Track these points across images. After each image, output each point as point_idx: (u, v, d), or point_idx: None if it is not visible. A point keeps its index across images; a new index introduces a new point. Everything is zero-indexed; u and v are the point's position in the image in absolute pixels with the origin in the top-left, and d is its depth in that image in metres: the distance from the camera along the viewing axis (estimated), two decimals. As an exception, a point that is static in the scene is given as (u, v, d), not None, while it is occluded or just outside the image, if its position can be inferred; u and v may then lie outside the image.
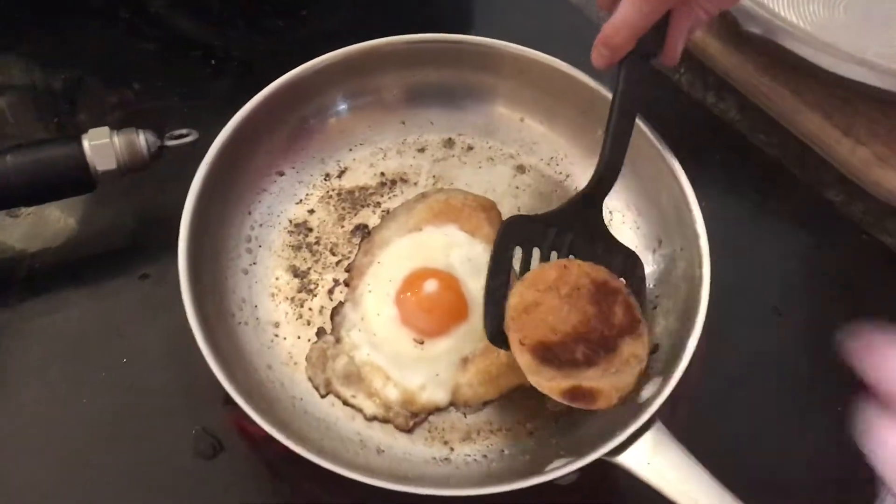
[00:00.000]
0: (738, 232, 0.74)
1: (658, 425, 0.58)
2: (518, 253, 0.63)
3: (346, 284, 0.69)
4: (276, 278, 0.69)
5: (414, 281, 0.65)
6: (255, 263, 0.69)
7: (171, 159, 0.70)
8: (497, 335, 0.60)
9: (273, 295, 0.68)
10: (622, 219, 0.72)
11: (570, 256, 0.63)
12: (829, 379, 0.67)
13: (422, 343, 0.64)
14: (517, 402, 0.65)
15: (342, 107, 0.74)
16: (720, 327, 0.62)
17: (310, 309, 0.68)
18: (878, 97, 0.72)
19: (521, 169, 0.75)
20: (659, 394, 0.59)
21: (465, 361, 0.64)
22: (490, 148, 0.76)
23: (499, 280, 0.61)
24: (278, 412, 0.62)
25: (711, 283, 0.62)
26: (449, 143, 0.76)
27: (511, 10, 0.86)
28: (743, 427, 0.67)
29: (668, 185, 0.67)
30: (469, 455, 0.63)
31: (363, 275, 0.67)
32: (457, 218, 0.69)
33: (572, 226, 0.65)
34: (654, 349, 0.65)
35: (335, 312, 0.67)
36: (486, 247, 0.68)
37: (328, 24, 0.84)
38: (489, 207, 0.71)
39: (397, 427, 0.64)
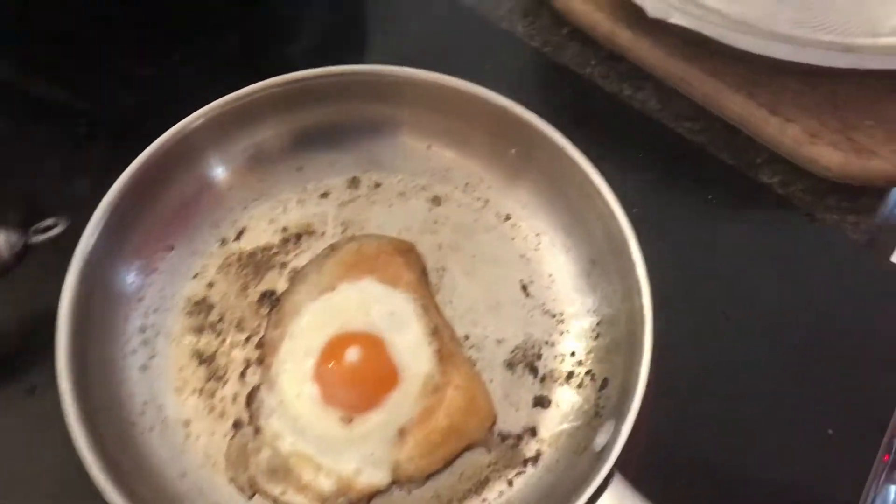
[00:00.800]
0: (673, 235, 0.68)
1: (618, 479, 0.53)
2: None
3: (260, 363, 0.62)
4: (180, 369, 0.62)
5: (333, 351, 0.59)
6: (154, 357, 0.62)
7: (46, 250, 0.61)
8: None
9: (179, 389, 0.61)
10: (551, 241, 0.66)
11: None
12: (795, 384, 0.63)
13: (350, 421, 0.57)
14: (466, 467, 0.59)
15: (228, 163, 0.67)
16: (667, 342, 0.57)
17: (222, 399, 0.61)
18: (803, 70, 0.67)
19: (436, 201, 0.69)
20: (614, 441, 0.53)
21: (401, 434, 0.58)
22: (400, 182, 0.69)
23: None
24: None
25: (653, 296, 0.57)
26: (354, 182, 0.69)
27: (405, 29, 0.78)
28: (706, 454, 0.62)
29: (592, 200, 0.62)
30: (418, 540, 0.57)
31: (276, 350, 0.61)
32: (372, 268, 0.63)
33: None
34: (602, 384, 0.60)
35: (250, 398, 0.60)
36: (409, 296, 0.62)
37: (206, 67, 0.76)
38: (406, 250, 0.64)
39: None
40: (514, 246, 0.66)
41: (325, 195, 0.69)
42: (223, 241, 0.66)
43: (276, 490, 0.57)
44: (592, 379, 0.61)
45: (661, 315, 0.57)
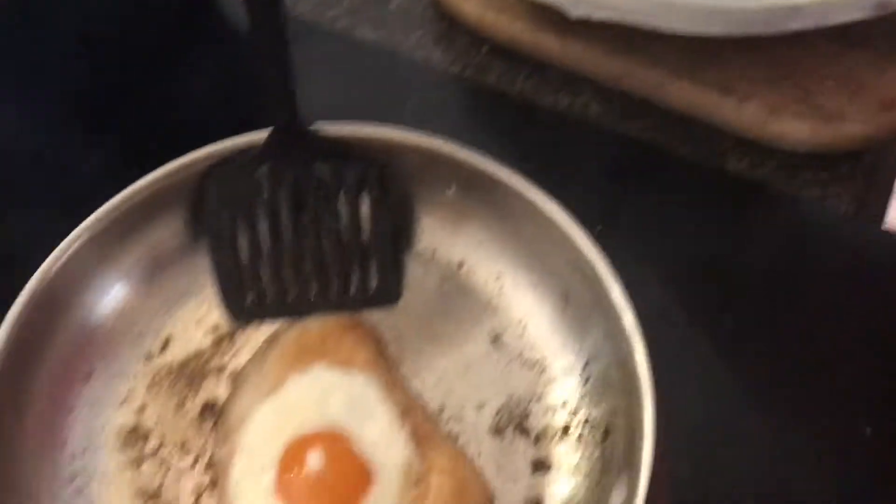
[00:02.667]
0: (646, 246, 0.61)
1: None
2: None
3: (214, 486, 0.53)
4: (124, 514, 0.53)
5: (292, 459, 0.51)
6: (90, 506, 0.53)
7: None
8: (243, 312, 0.56)
9: (127, 537, 0.53)
10: (514, 282, 0.59)
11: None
12: (819, 382, 0.56)
13: None
14: (468, 562, 0.51)
15: (126, 280, 0.59)
16: (666, 365, 0.50)
17: (178, 538, 0.53)
18: (749, 42, 0.61)
19: (377, 260, 0.61)
20: (632, 500, 0.46)
21: None
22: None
23: (224, 253, 0.56)
24: None
25: (638, 317, 0.51)
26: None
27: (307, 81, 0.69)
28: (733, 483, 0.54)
29: (548, 229, 0.55)
30: None
31: (228, 471, 0.52)
32: (321, 354, 0.55)
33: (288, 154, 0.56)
34: (605, 433, 0.53)
35: None
36: (368, 377, 0.54)
37: (95, 173, 0.67)
38: (353, 326, 0.57)
39: None
40: (475, 295, 0.59)
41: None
42: (148, 356, 0.58)
43: None
44: (592, 429, 0.54)
45: (653, 336, 0.50)
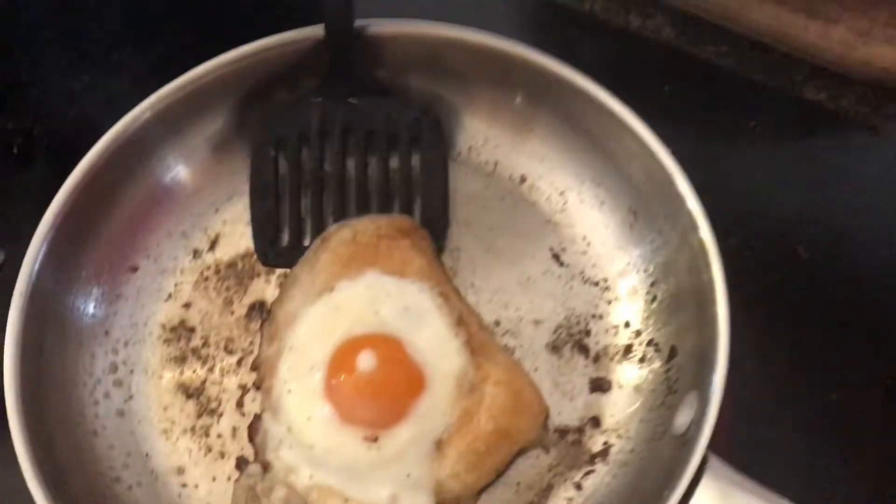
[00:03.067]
0: (719, 171, 0.58)
1: (715, 464, 0.43)
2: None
3: (258, 387, 0.51)
4: (165, 408, 0.51)
5: (342, 360, 0.48)
6: (130, 398, 0.52)
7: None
8: (273, 256, 0.54)
9: (166, 431, 0.51)
10: (579, 197, 0.56)
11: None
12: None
13: (375, 440, 0.47)
14: (522, 476, 0.49)
15: (188, 160, 0.56)
16: (738, 291, 0.47)
17: (219, 436, 0.51)
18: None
19: (437, 172, 0.58)
20: (703, 418, 0.43)
21: (439, 446, 0.48)
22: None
23: (266, 204, 0.54)
24: None
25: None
26: (340, 166, 0.59)
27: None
28: (806, 417, 0.52)
29: (623, 139, 0.52)
30: (482, 569, 0.47)
31: (275, 369, 0.50)
32: (374, 259, 0.52)
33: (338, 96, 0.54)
34: (671, 354, 0.50)
35: (253, 431, 0.50)
36: (422, 285, 0.51)
37: (149, 63, 0.65)
38: (410, 230, 0.54)
39: None
40: (537, 210, 0.56)
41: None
42: (195, 254, 0.56)
43: None
44: (657, 350, 0.51)
45: (725, 262, 0.47)
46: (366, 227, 0.54)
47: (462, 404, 0.48)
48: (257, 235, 0.55)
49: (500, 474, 0.49)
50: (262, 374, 0.51)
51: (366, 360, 0.48)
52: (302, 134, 0.54)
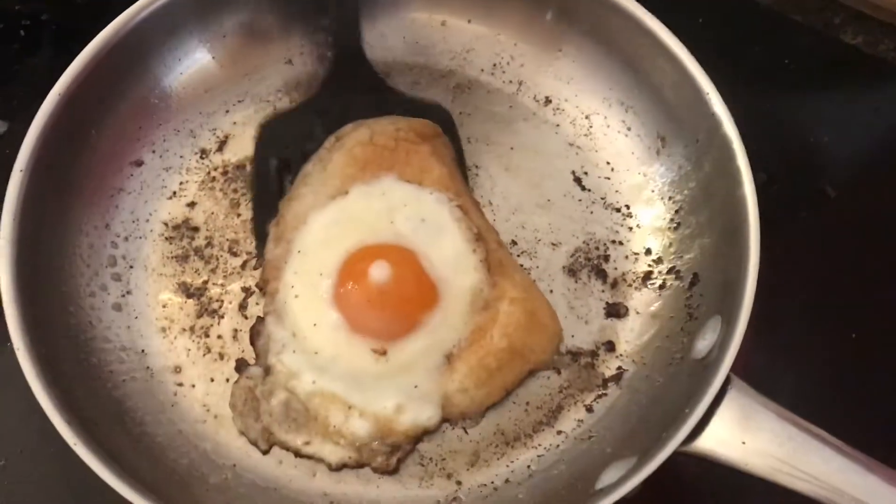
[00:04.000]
0: (755, 107, 0.56)
1: (738, 385, 0.41)
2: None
3: (262, 290, 0.49)
4: (164, 305, 0.49)
5: (354, 270, 0.46)
6: (129, 293, 0.49)
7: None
8: None
9: (164, 329, 0.49)
10: (604, 122, 0.54)
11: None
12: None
13: (384, 352, 0.45)
14: (532, 396, 0.47)
15: (200, 54, 0.54)
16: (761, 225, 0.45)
17: (219, 337, 0.49)
18: None
19: (459, 89, 0.56)
20: (726, 343, 0.42)
21: (449, 360, 0.46)
22: (412, 70, 0.57)
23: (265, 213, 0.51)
24: (202, 497, 0.43)
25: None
26: (358, 72, 0.57)
27: None
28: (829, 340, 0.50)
29: (660, 65, 0.50)
30: (484, 485, 0.45)
31: (281, 273, 0.48)
32: (391, 163, 0.50)
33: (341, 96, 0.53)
34: (693, 281, 0.48)
35: (255, 334, 0.48)
36: (441, 195, 0.49)
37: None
38: (431, 135, 0.52)
39: (376, 470, 0.45)
40: (560, 133, 0.54)
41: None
42: (203, 153, 0.54)
43: (297, 440, 0.45)
44: (678, 277, 0.49)
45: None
46: (384, 127, 0.51)
47: (476, 320, 0.46)
48: (259, 237, 0.51)
49: (508, 393, 0.47)
50: (265, 276, 0.49)
51: (379, 271, 0.45)
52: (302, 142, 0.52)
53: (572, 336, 0.49)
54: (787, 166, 0.55)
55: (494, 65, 0.57)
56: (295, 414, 0.45)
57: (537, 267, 0.51)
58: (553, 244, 0.51)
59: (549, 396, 0.47)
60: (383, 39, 0.56)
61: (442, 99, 0.55)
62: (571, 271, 0.51)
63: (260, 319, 0.48)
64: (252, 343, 0.48)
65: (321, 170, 0.50)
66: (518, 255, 0.51)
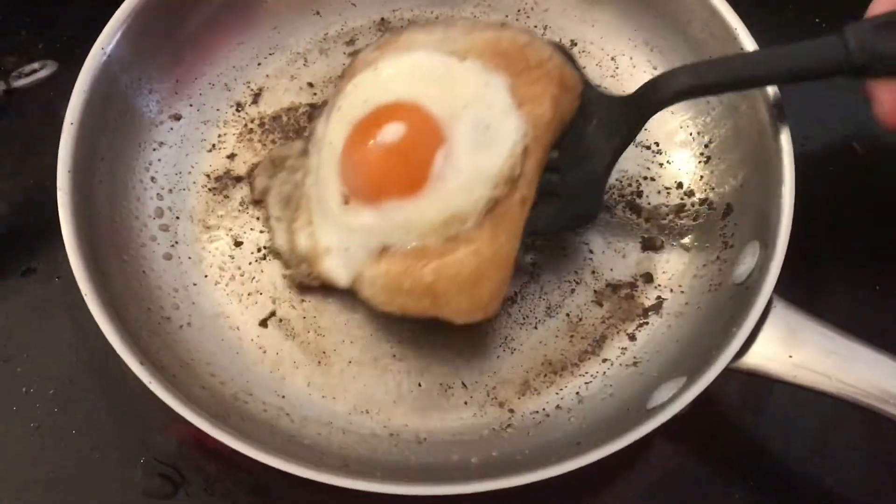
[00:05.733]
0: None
1: (781, 303, 0.43)
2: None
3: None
4: (212, 254, 0.50)
5: (378, 117, 0.45)
6: (177, 243, 0.50)
7: (33, 111, 0.54)
8: None
9: (214, 277, 0.50)
10: (630, 62, 0.55)
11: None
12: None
13: (347, 202, 0.46)
14: (575, 327, 0.49)
15: (231, 6, 0.54)
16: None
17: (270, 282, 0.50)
18: None
19: (486, 34, 0.57)
20: (766, 265, 0.43)
21: (382, 252, 0.45)
22: (437, 16, 0.58)
23: None
24: (258, 419, 0.45)
25: None
26: (383, 25, 0.57)
27: None
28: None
29: (688, 4, 0.51)
30: (536, 412, 0.47)
31: (352, 77, 0.48)
32: (518, 73, 0.46)
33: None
34: (726, 211, 0.50)
35: (312, 117, 0.53)
36: (522, 125, 0.45)
37: None
38: (569, 87, 0.47)
39: (290, 280, 0.49)
40: (587, 75, 0.55)
41: (350, 42, 0.57)
42: (238, 106, 0.54)
43: (273, 211, 0.50)
44: (710, 208, 0.51)
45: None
46: (543, 48, 0.47)
47: (430, 240, 0.44)
48: None
49: (404, 316, 0.46)
50: (346, 71, 0.50)
51: (391, 132, 0.44)
52: None
53: (611, 269, 0.50)
54: (817, 123, 0.56)
55: (519, 10, 0.58)
56: (289, 198, 0.50)
57: (574, 205, 0.52)
58: (588, 182, 0.53)
59: (593, 327, 0.49)
60: (404, -9, 0.58)
61: (469, 46, 0.57)
62: (606, 207, 0.52)
63: (321, 105, 0.52)
64: (308, 121, 0.52)
65: (468, 28, 0.48)
66: (553, 196, 0.52)
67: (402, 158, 0.45)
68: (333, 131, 0.47)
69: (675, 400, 0.41)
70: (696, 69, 0.45)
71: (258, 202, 0.51)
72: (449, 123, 0.44)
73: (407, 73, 0.46)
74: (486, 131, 0.45)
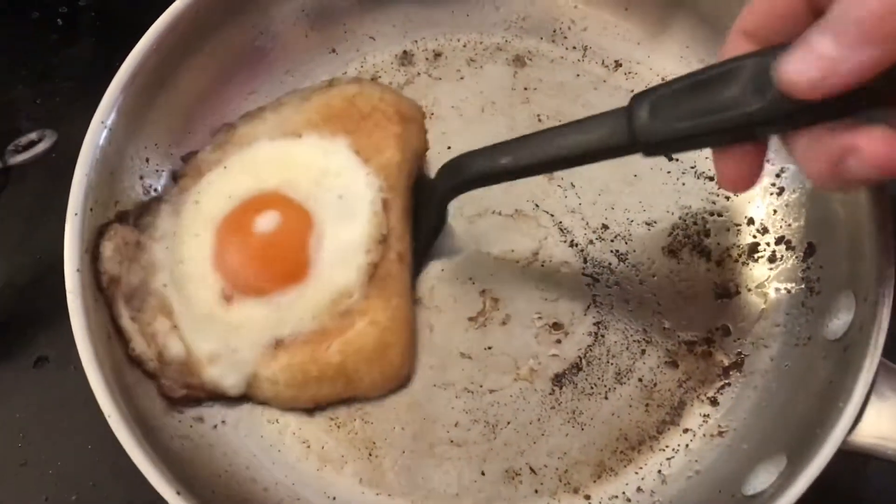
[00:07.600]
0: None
1: (888, 367, 0.38)
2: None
3: (174, 179, 0.47)
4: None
5: (249, 209, 0.44)
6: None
7: (36, 171, 0.50)
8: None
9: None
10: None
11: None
12: None
13: (230, 300, 0.42)
14: (650, 394, 0.44)
15: (239, 57, 0.49)
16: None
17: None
18: None
19: (519, 61, 0.52)
20: (867, 322, 0.38)
21: (277, 346, 0.43)
22: (465, 46, 0.52)
23: None
24: None
25: None
26: (406, 58, 0.52)
27: None
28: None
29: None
30: (615, 496, 0.42)
31: (201, 177, 0.46)
32: (355, 128, 0.46)
33: None
34: (808, 251, 0.45)
35: (147, 209, 0.45)
36: (374, 181, 0.45)
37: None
38: (410, 118, 0.47)
39: (160, 390, 0.43)
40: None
41: (373, 80, 0.52)
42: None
43: (122, 309, 0.43)
44: (789, 247, 0.46)
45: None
46: (371, 91, 0.47)
47: (325, 321, 0.43)
48: None
49: (318, 407, 0.44)
50: (185, 170, 0.47)
51: (266, 222, 0.43)
52: None
53: (683, 324, 0.45)
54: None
55: (554, 31, 0.52)
56: (136, 292, 0.43)
57: (634, 251, 0.47)
58: (647, 223, 0.48)
59: (669, 392, 0.44)
60: (428, 15, 0.52)
61: (502, 74, 0.51)
62: (671, 251, 0.47)
63: (157, 200, 0.46)
64: (138, 216, 0.45)
65: (294, 107, 0.47)
66: (612, 241, 0.47)
67: (283, 247, 0.44)
68: (195, 228, 0.43)
69: (784, 491, 0.36)
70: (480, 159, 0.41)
71: (101, 290, 0.43)
72: (309, 204, 0.44)
73: (257, 165, 0.45)
74: (341, 200, 0.44)
